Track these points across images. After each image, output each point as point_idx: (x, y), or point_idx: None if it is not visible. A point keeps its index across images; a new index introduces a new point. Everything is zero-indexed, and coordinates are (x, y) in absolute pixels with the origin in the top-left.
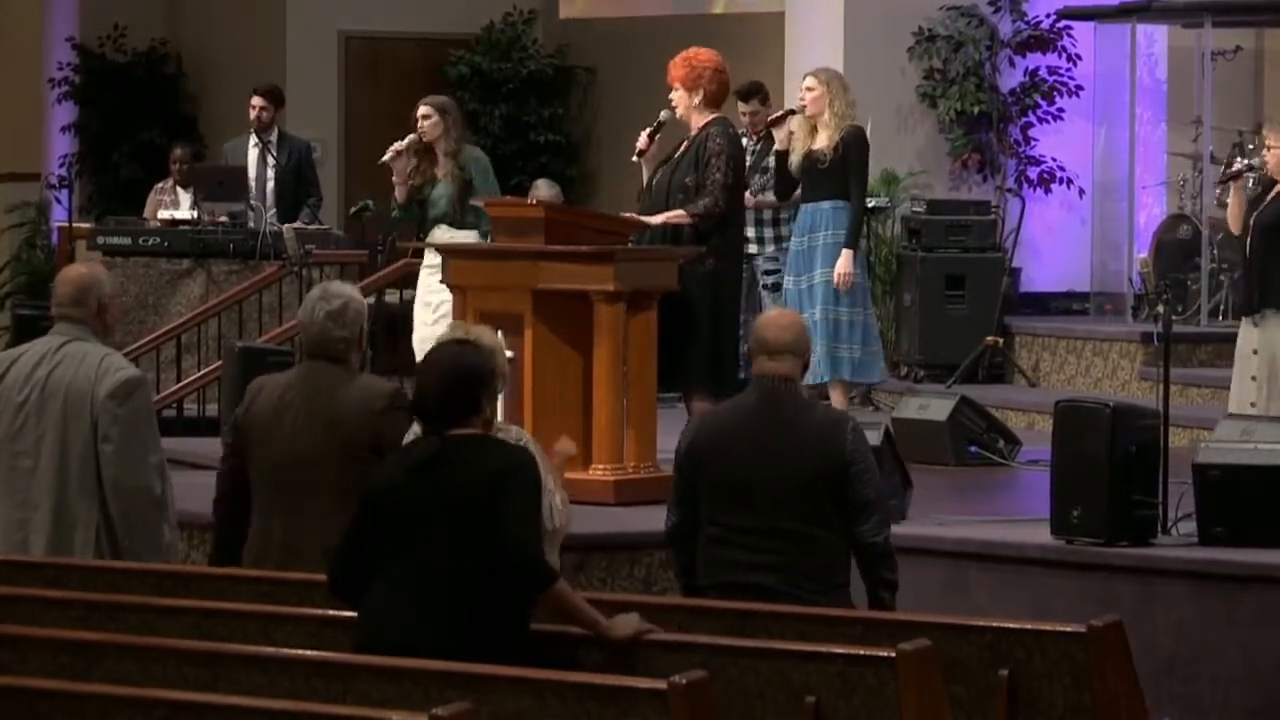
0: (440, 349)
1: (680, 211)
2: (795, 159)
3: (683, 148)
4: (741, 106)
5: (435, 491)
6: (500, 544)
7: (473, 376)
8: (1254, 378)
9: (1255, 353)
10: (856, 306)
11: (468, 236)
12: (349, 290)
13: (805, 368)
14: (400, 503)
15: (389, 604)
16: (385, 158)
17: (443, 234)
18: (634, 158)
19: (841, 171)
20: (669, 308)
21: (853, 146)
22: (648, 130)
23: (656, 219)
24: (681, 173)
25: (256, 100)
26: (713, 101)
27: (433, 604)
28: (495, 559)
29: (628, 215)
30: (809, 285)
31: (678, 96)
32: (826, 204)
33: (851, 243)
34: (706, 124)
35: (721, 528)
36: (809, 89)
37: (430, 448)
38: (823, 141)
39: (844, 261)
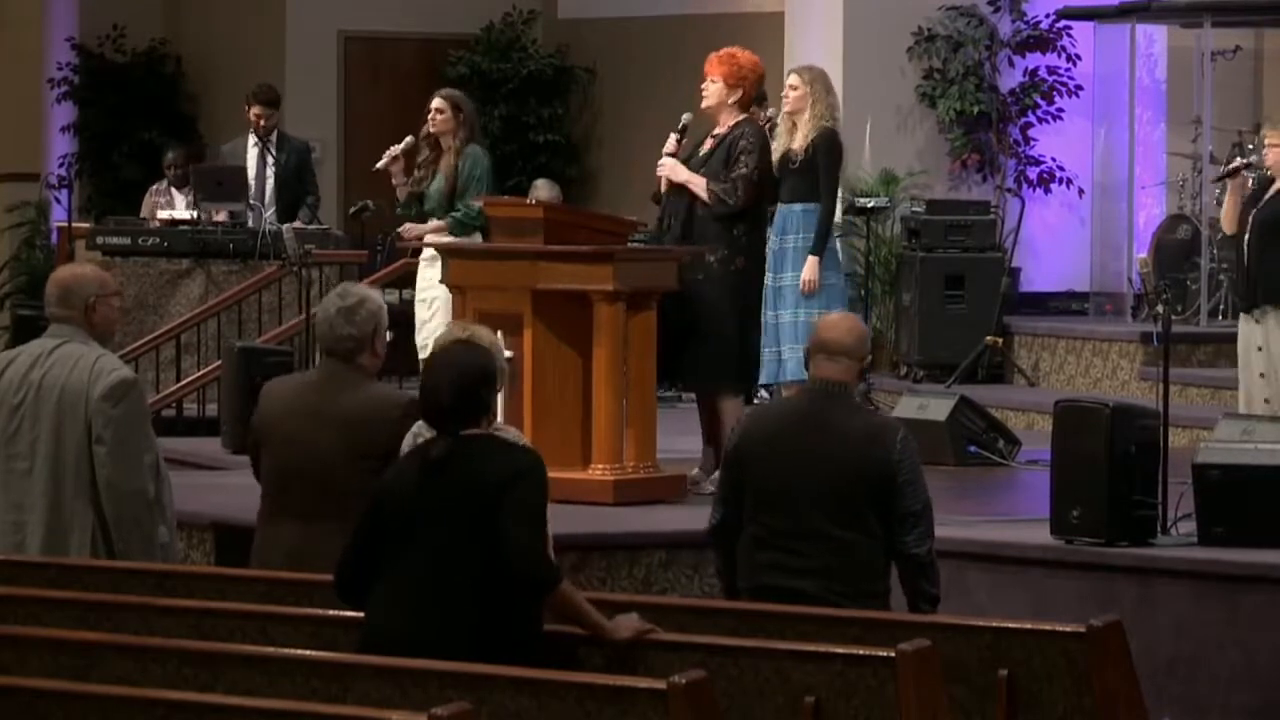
0: (446, 350)
1: (703, 182)
2: (774, 159)
3: (708, 145)
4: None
5: (443, 492)
6: (505, 546)
7: (481, 376)
8: (1262, 374)
9: (1260, 349)
10: (833, 307)
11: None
12: (368, 292)
13: (862, 373)
14: (407, 503)
15: (395, 604)
16: (380, 164)
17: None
18: (662, 161)
19: (811, 174)
20: (691, 304)
21: (821, 149)
22: (675, 135)
23: (681, 174)
24: (713, 170)
25: (256, 109)
26: (746, 104)
27: (438, 605)
28: (500, 560)
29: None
30: (778, 287)
31: (714, 90)
32: (797, 206)
33: (818, 249)
34: (737, 123)
35: (761, 527)
36: (792, 87)
37: (444, 448)
38: (797, 141)
39: (809, 268)
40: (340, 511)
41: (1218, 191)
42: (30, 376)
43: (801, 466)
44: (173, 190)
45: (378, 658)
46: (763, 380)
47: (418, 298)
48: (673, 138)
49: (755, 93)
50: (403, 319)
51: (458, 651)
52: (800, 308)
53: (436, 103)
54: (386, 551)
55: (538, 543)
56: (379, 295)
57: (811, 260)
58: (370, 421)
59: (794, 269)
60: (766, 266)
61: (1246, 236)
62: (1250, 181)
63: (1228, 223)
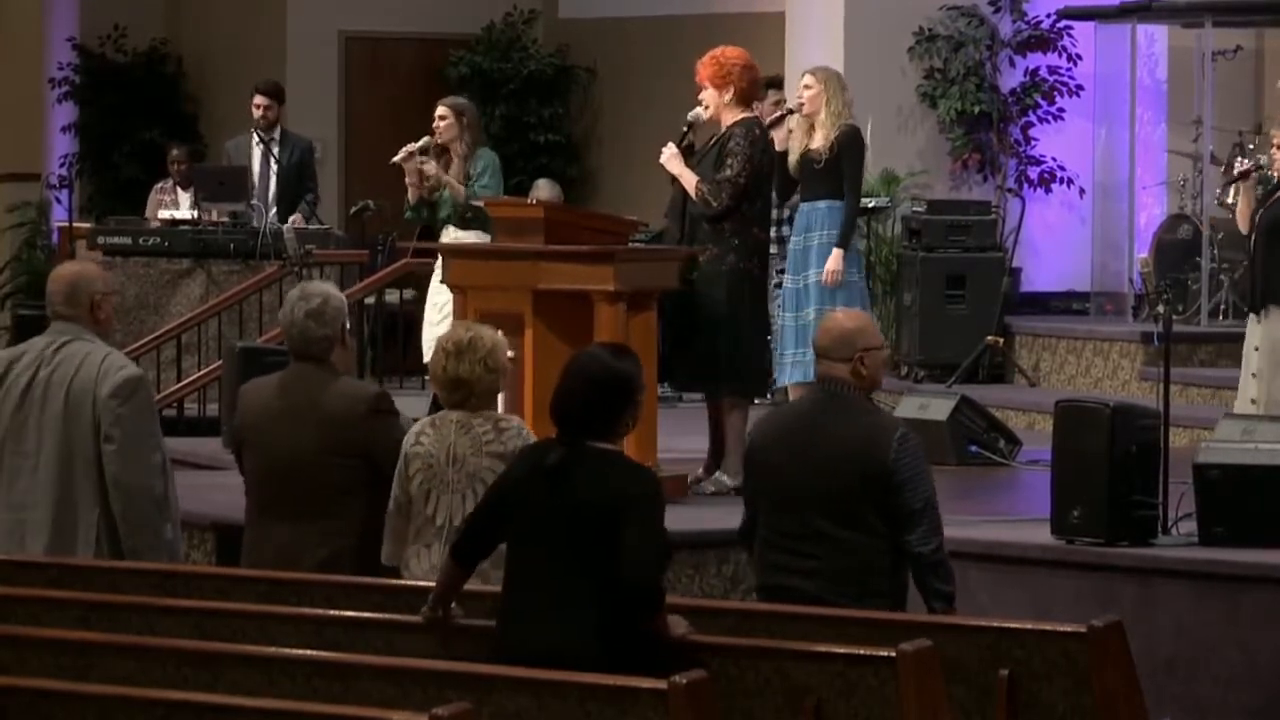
0: (589, 355)
1: (694, 179)
2: (792, 158)
3: (709, 143)
4: (773, 95)
5: (563, 502)
6: (621, 565)
7: (615, 387)
8: (1255, 374)
9: (1257, 349)
10: (853, 304)
11: (472, 236)
12: (327, 288)
13: (860, 363)
14: (528, 505)
15: (518, 611)
16: (397, 158)
17: (449, 235)
18: (666, 149)
19: (837, 171)
20: (687, 304)
21: (848, 146)
22: (677, 142)
23: (675, 166)
24: (704, 170)
25: (260, 99)
26: (743, 99)
27: (556, 612)
28: (614, 578)
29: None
30: (804, 285)
31: (708, 95)
32: (822, 204)
33: (843, 242)
34: (735, 123)
35: (770, 530)
36: (806, 87)
37: (559, 457)
38: (819, 141)
39: (834, 259)
40: (323, 510)
41: (1218, 192)
42: (37, 374)
43: (802, 468)
44: (178, 190)
45: (377, 658)
46: (796, 380)
47: (429, 300)
48: (671, 146)
49: (749, 86)
50: (404, 319)
51: (581, 662)
52: (825, 305)
53: (439, 110)
54: (510, 556)
55: (653, 564)
56: (335, 288)
57: (836, 252)
58: (342, 420)
59: (818, 265)
60: (787, 267)
61: (1253, 236)
62: (1256, 182)
63: (1242, 221)
